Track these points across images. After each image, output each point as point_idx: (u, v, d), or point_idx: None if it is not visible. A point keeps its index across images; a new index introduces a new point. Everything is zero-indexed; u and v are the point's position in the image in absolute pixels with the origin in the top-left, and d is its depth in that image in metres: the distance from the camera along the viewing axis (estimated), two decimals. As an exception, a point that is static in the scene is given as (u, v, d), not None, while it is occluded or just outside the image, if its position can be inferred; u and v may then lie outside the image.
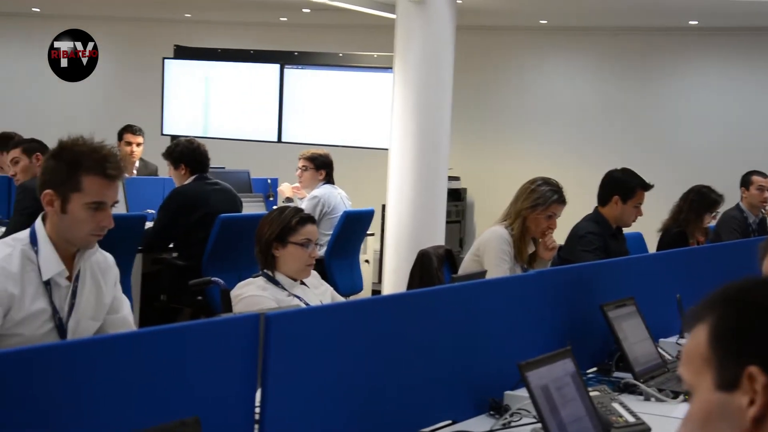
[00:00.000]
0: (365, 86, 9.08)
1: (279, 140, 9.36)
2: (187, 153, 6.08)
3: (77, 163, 2.83)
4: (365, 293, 7.46)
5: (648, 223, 5.77)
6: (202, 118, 9.70)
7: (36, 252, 2.84)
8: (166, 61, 9.84)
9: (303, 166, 7.17)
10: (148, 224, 5.92)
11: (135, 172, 8.17)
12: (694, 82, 10.82)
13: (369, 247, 8.10)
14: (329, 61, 9.52)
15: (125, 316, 3.11)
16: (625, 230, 5.40)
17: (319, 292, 3.80)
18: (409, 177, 7.60)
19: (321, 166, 7.12)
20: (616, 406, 2.73)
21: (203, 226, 5.82)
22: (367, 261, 7.93)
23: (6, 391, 1.71)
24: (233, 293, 3.64)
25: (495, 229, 4.75)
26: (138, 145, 8.20)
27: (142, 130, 8.24)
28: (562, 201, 4.72)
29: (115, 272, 3.09)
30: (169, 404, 1.98)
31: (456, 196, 10.71)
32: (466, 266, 4.85)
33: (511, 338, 2.98)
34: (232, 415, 2.11)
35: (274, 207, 3.95)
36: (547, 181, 4.75)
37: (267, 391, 2.08)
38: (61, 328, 2.87)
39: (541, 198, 4.67)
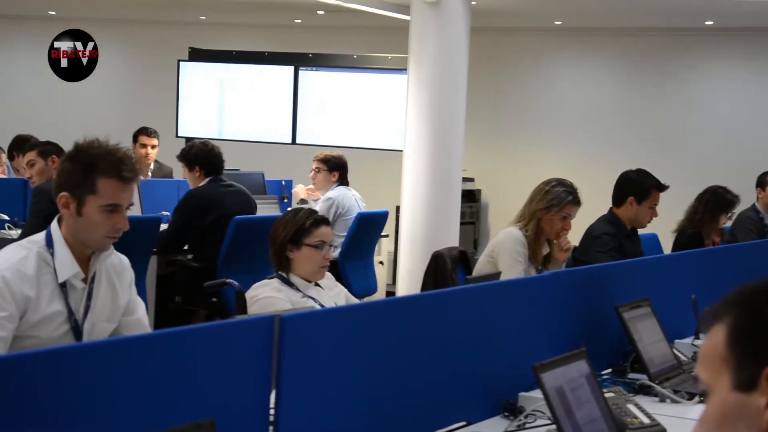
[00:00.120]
0: (380, 88, 9.09)
1: (293, 142, 9.38)
2: (201, 155, 6.09)
3: (92, 166, 2.84)
4: (379, 295, 7.46)
5: (663, 224, 5.75)
6: (217, 120, 9.73)
7: (52, 254, 2.85)
8: (181, 63, 9.88)
9: (316, 167, 7.18)
10: (163, 226, 5.94)
11: (150, 174, 8.20)
12: (709, 83, 10.77)
13: (383, 248, 8.09)
14: (343, 62, 9.53)
15: (140, 318, 3.12)
16: (640, 231, 5.38)
17: (333, 294, 3.80)
18: (424, 178, 7.59)
19: (334, 167, 7.13)
20: (631, 407, 2.72)
21: (218, 228, 5.83)
22: (381, 262, 7.93)
23: (22, 393, 1.72)
24: (248, 295, 3.65)
25: (509, 231, 4.75)
26: (153, 147, 8.22)
27: (157, 132, 8.27)
28: (576, 202, 4.71)
29: (130, 274, 3.10)
30: (183, 406, 1.98)
31: (470, 197, 10.70)
32: (480, 267, 4.84)
33: (526, 339, 2.97)
34: (247, 417, 2.11)
35: (289, 209, 3.95)
36: (561, 182, 4.74)
37: (281, 392, 2.08)
38: (76, 330, 2.88)
39: (555, 199, 4.66)
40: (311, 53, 9.76)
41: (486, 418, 2.71)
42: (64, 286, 2.86)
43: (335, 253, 6.62)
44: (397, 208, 8.19)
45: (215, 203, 5.95)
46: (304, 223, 3.68)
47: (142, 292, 3.80)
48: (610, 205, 5.26)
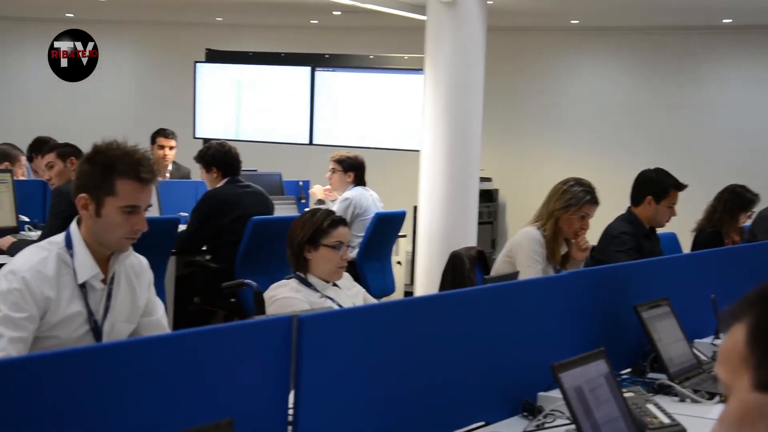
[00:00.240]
0: (396, 88, 9.09)
1: (310, 143, 9.39)
2: (218, 156, 6.11)
3: (111, 167, 2.85)
4: (397, 295, 7.46)
5: (682, 223, 5.73)
6: (234, 121, 9.75)
7: (71, 255, 2.87)
8: (198, 64, 9.91)
9: (332, 168, 7.21)
10: (182, 227, 5.96)
11: (168, 175, 8.23)
12: (728, 81, 10.72)
13: (401, 248, 8.10)
14: (360, 63, 9.53)
15: (159, 319, 3.13)
16: (659, 230, 5.36)
17: (351, 294, 3.80)
18: (441, 178, 7.59)
19: (349, 168, 7.14)
20: (650, 407, 2.71)
21: (236, 228, 5.84)
22: (399, 262, 7.93)
23: (43, 393, 1.73)
24: (266, 295, 3.65)
25: (527, 230, 4.74)
26: (171, 148, 8.25)
27: (174, 133, 8.30)
28: (594, 201, 4.70)
29: (149, 275, 3.11)
30: (202, 406, 1.99)
31: (488, 197, 10.69)
32: (498, 267, 4.84)
33: (544, 339, 2.96)
34: (266, 417, 2.11)
35: (306, 209, 3.95)
36: (579, 182, 4.73)
37: (300, 392, 2.09)
38: (96, 330, 2.90)
39: (573, 198, 4.66)
40: (327, 54, 9.77)
41: (505, 418, 2.71)
42: (83, 287, 2.87)
43: (353, 254, 6.63)
44: (415, 208, 8.19)
45: (233, 204, 5.97)
46: (322, 224, 3.69)
47: (160, 292, 3.81)
48: (629, 205, 5.24)
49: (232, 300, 5.81)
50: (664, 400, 2.90)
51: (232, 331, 2.17)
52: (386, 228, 7.01)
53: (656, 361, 3.24)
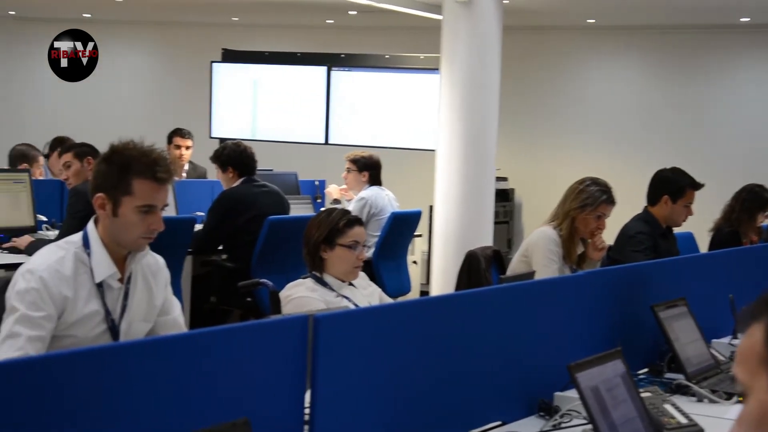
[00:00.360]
0: (412, 88, 9.09)
1: (326, 142, 9.40)
2: (234, 156, 6.12)
3: (128, 167, 2.86)
4: (413, 294, 7.46)
5: (699, 223, 5.70)
6: (250, 120, 9.77)
7: (88, 254, 2.88)
8: (214, 64, 9.93)
9: (347, 167, 7.22)
10: (198, 227, 5.97)
11: (184, 175, 8.25)
12: (745, 80, 10.67)
13: (417, 248, 8.09)
14: (376, 63, 9.53)
15: (176, 318, 3.14)
16: (676, 230, 5.34)
17: (367, 293, 3.80)
18: (457, 178, 7.58)
19: (364, 167, 7.15)
20: (668, 407, 2.70)
21: (252, 228, 5.85)
22: (414, 262, 7.93)
23: (61, 392, 1.74)
24: (282, 294, 3.66)
25: (543, 230, 4.73)
26: (187, 148, 8.27)
27: (191, 133, 8.32)
28: (611, 201, 4.69)
29: (165, 274, 3.12)
30: (219, 406, 1.99)
31: (504, 196, 10.67)
32: (514, 267, 4.83)
33: (561, 339, 2.96)
34: (282, 417, 2.11)
35: (322, 209, 3.95)
36: (595, 181, 4.72)
37: (316, 392, 2.09)
38: (113, 329, 2.91)
39: (589, 198, 4.64)
40: (343, 54, 9.78)
41: (521, 418, 2.71)
42: (100, 286, 2.88)
43: (369, 253, 6.63)
44: (431, 208, 8.18)
45: (249, 203, 5.98)
46: (338, 224, 3.69)
47: (177, 292, 3.82)
48: (645, 204, 5.22)
49: (248, 299, 5.82)
50: (681, 401, 2.89)
51: (248, 330, 2.17)
52: (402, 227, 7.00)
53: (673, 361, 3.23)
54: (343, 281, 3.70)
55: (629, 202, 5.43)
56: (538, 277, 4.35)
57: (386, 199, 7.16)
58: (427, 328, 2.45)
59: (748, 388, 1.34)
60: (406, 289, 7.16)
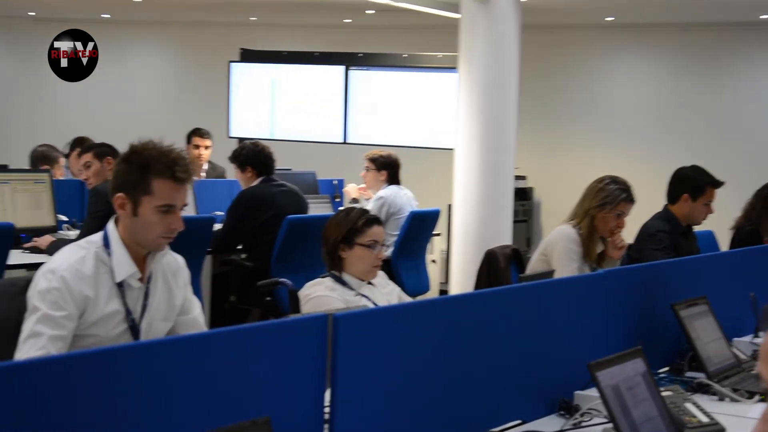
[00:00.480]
0: (430, 86, 9.09)
1: (344, 141, 9.40)
2: (252, 156, 6.14)
3: (147, 167, 2.87)
4: (432, 293, 7.45)
5: (720, 221, 5.67)
6: (269, 120, 9.79)
7: (109, 254, 2.89)
8: (232, 64, 9.96)
9: (366, 166, 7.22)
10: (217, 226, 5.99)
11: (203, 174, 8.27)
12: (766, 78, 10.60)
13: (436, 247, 8.08)
14: (394, 62, 9.53)
15: (196, 317, 3.15)
16: (696, 228, 5.32)
17: (386, 292, 3.80)
18: (475, 177, 7.57)
19: (382, 166, 7.15)
20: (689, 406, 2.69)
21: (270, 227, 5.87)
22: (433, 261, 7.92)
23: (82, 391, 1.75)
24: (301, 293, 3.66)
25: (562, 229, 4.72)
26: (206, 148, 8.30)
27: (210, 133, 8.34)
28: (630, 200, 4.67)
29: (185, 274, 3.13)
30: (239, 404, 1.99)
31: (523, 195, 10.65)
32: (533, 266, 4.82)
33: (581, 338, 2.95)
34: (302, 415, 2.12)
35: (341, 208, 3.96)
36: (615, 180, 4.71)
37: (336, 391, 2.09)
38: (134, 328, 2.92)
39: (609, 197, 4.63)
40: (361, 53, 9.78)
41: (541, 417, 2.70)
42: (121, 286, 2.90)
43: (388, 252, 6.63)
44: (449, 207, 8.17)
45: (267, 203, 5.99)
46: (357, 223, 3.69)
47: (197, 291, 3.83)
48: (665, 203, 5.20)
49: (268, 298, 5.83)
50: (702, 399, 2.88)
51: (268, 329, 2.18)
52: (421, 226, 7.00)
53: (694, 360, 3.21)
54: (362, 280, 3.70)
55: (649, 201, 5.41)
56: (557, 275, 4.34)
57: (405, 198, 7.15)
58: (446, 327, 2.45)
59: (772, 386, 1.33)
60: (425, 288, 7.15)
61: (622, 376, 2.40)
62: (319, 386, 2.14)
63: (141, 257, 2.95)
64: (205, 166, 8.38)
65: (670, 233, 5.04)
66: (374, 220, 3.74)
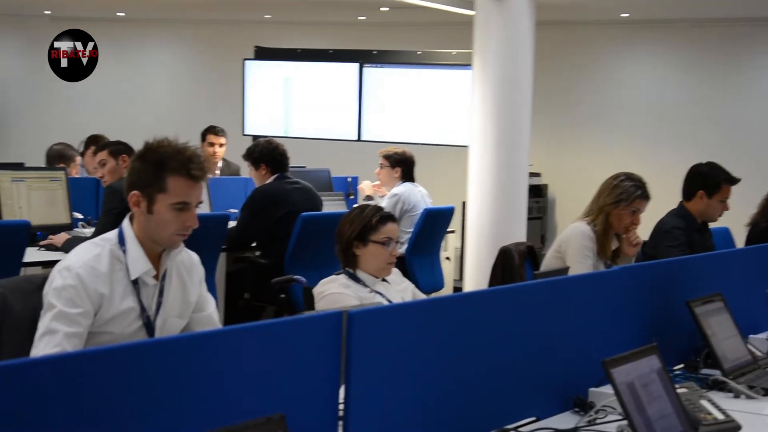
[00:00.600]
0: (444, 84, 9.08)
1: (359, 139, 9.40)
2: (266, 153, 6.15)
3: (162, 165, 2.88)
4: (446, 290, 7.46)
5: (735, 218, 5.65)
6: (283, 118, 9.80)
7: (124, 252, 2.90)
8: (246, 62, 9.97)
9: (380, 163, 7.23)
10: (232, 224, 6.00)
11: (218, 172, 8.30)
12: (781, 73, 10.55)
13: (450, 244, 8.08)
14: (408, 59, 9.53)
15: (210, 315, 3.16)
16: (712, 225, 5.30)
17: (400, 289, 3.80)
18: (490, 174, 7.56)
19: (396, 163, 7.15)
20: (704, 403, 2.67)
21: (285, 224, 5.87)
22: (448, 258, 7.92)
23: (97, 388, 1.75)
24: (316, 290, 3.67)
25: (577, 225, 4.71)
26: (221, 145, 8.32)
27: (224, 130, 8.37)
28: (645, 196, 4.66)
29: (200, 271, 3.14)
30: (254, 401, 2.00)
31: (537, 192, 10.63)
32: (548, 263, 4.82)
33: (595, 335, 2.94)
34: (317, 412, 2.12)
35: (355, 205, 3.96)
36: (630, 177, 4.70)
37: (350, 387, 2.09)
38: (149, 326, 2.93)
39: (624, 194, 4.62)
40: (375, 50, 9.77)
41: (556, 414, 2.69)
42: (136, 283, 2.91)
43: (402, 249, 6.63)
44: (464, 204, 8.17)
45: (282, 200, 6.00)
46: (371, 220, 3.69)
47: (211, 288, 3.85)
48: (680, 199, 5.18)
49: (282, 296, 5.84)
50: (718, 396, 2.87)
51: (282, 326, 2.18)
52: (435, 224, 7.00)
53: (709, 357, 3.20)
54: (377, 277, 3.71)
55: (664, 198, 5.39)
56: (572, 272, 4.33)
57: (419, 195, 7.15)
58: (460, 323, 2.45)
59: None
60: (440, 285, 7.15)
61: (637, 373, 2.39)
62: (333, 383, 2.14)
63: (156, 254, 2.95)
64: (220, 164, 8.41)
65: (686, 230, 5.03)
66: (388, 217, 3.74)
